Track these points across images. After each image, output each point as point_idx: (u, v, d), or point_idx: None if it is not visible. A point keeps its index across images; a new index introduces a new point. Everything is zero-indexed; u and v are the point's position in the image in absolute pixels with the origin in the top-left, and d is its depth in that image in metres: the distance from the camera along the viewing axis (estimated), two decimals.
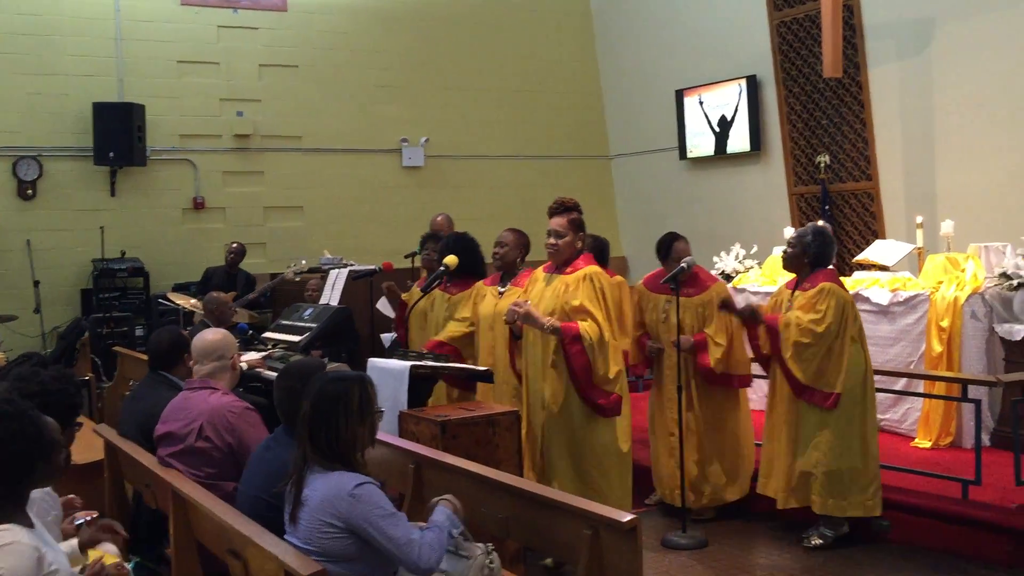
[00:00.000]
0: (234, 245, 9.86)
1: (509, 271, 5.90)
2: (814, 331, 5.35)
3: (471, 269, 6.07)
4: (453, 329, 5.92)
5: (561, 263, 5.34)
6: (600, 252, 6.69)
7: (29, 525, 2.68)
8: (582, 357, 5.05)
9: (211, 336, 4.41)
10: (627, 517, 2.93)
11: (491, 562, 3.16)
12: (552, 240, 5.31)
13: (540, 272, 5.52)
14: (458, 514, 3.24)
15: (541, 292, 5.33)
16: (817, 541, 5.45)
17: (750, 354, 5.92)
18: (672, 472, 5.91)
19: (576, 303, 5.13)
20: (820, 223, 8.96)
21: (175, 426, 4.14)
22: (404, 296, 6.85)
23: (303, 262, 9.94)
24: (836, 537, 5.46)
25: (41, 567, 2.59)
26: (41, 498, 3.22)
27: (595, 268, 5.28)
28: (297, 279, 9.59)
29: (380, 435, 4.24)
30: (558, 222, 5.31)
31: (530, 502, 3.31)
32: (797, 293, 5.59)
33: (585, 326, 5.07)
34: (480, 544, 3.22)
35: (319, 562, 2.93)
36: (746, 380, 6.03)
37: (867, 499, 5.37)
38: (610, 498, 4.92)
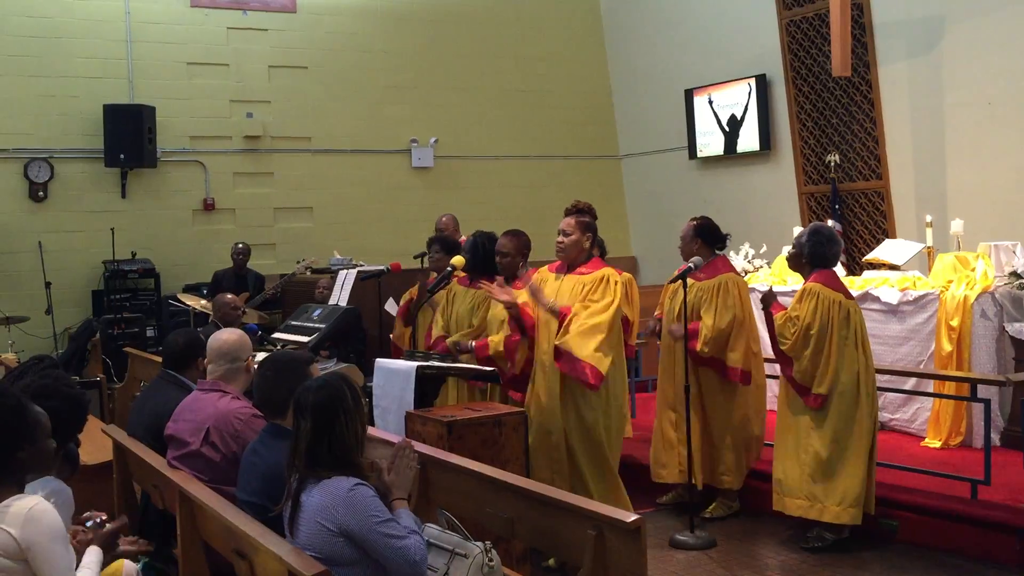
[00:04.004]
0: (239, 246, 9.88)
1: (511, 276, 5.86)
2: (783, 334, 5.38)
3: (485, 268, 6.01)
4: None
5: (570, 262, 5.41)
6: (600, 252, 6.78)
7: None
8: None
9: (226, 336, 4.38)
10: (631, 517, 2.92)
11: (490, 560, 3.16)
12: (560, 238, 5.47)
13: (546, 272, 5.54)
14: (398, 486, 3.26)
15: (557, 289, 5.38)
16: (815, 544, 5.41)
17: (767, 353, 5.91)
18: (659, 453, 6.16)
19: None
20: (830, 222, 9.00)
21: (183, 427, 4.12)
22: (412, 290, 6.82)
23: (313, 258, 10.00)
24: (836, 540, 5.40)
25: None
26: (55, 491, 3.27)
27: (610, 270, 5.38)
28: (307, 273, 9.63)
29: (387, 435, 4.27)
30: (567, 222, 5.48)
31: (535, 502, 3.31)
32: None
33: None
34: (479, 543, 3.22)
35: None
36: (736, 374, 5.90)
37: (849, 508, 5.25)
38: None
